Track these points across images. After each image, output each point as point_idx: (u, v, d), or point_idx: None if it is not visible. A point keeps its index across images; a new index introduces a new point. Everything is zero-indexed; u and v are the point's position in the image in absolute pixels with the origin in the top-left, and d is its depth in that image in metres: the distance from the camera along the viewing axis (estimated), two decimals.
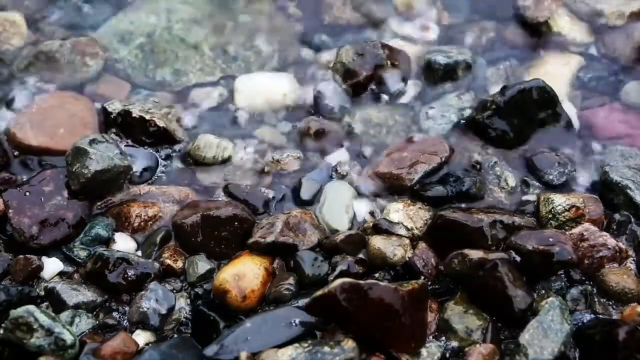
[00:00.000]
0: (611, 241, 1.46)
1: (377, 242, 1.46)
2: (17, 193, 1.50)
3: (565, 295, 1.42)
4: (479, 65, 1.76)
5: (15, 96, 1.68)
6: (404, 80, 1.72)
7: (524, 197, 1.57)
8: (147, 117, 1.61)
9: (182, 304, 1.42)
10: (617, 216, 1.52)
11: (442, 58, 1.73)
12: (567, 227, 1.49)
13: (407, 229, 1.50)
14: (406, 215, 1.52)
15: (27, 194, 1.50)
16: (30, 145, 1.60)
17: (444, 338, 1.38)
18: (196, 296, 1.44)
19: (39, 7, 1.85)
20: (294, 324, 1.33)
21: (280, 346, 1.29)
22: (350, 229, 1.52)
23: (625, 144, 1.65)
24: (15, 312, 1.29)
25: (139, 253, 1.49)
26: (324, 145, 1.65)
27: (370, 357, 1.31)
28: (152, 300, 1.40)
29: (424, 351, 1.34)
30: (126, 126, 1.62)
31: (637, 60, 1.78)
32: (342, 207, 1.54)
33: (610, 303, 1.43)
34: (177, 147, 1.63)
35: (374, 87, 1.72)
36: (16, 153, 1.61)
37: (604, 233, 1.47)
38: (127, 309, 1.42)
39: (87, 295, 1.42)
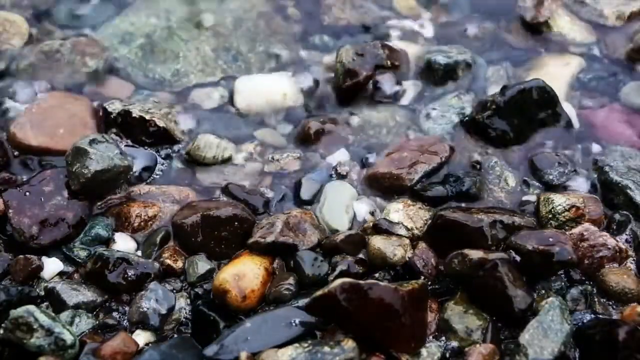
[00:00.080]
0: (611, 241, 1.46)
1: (377, 242, 1.46)
2: (17, 193, 1.50)
3: (565, 295, 1.42)
4: (479, 65, 1.76)
5: (15, 96, 1.68)
6: (399, 83, 1.72)
7: (524, 197, 1.57)
8: (147, 117, 1.61)
9: (182, 304, 1.42)
10: (617, 216, 1.52)
11: (442, 58, 1.73)
12: (567, 227, 1.49)
13: (407, 229, 1.49)
14: (406, 215, 1.51)
15: (27, 194, 1.50)
16: (30, 145, 1.60)
17: (444, 338, 1.37)
18: (196, 296, 1.44)
19: (39, 7, 1.85)
20: (294, 324, 1.33)
21: (280, 346, 1.29)
22: (350, 229, 1.52)
23: (625, 144, 1.65)
24: (15, 312, 1.29)
25: (139, 253, 1.49)
26: (324, 145, 1.65)
27: (370, 357, 1.31)
28: (152, 300, 1.40)
29: (424, 351, 1.34)
30: (126, 126, 1.62)
31: (637, 61, 1.78)
32: (342, 207, 1.54)
33: (610, 303, 1.43)
34: (177, 147, 1.63)
35: (371, 89, 1.71)
36: (16, 153, 1.61)
37: (604, 233, 1.47)
38: (127, 309, 1.42)
39: (87, 295, 1.42)
